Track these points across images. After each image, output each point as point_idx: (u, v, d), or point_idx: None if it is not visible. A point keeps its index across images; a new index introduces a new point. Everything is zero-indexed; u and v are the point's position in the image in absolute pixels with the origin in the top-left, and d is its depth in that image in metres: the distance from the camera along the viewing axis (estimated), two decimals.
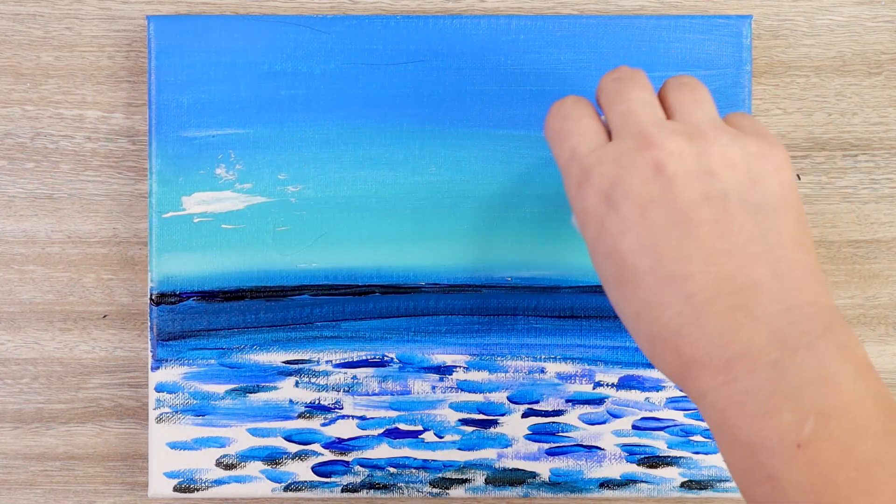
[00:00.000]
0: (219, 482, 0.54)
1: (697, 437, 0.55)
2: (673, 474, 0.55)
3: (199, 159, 0.54)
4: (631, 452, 0.55)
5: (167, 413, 0.54)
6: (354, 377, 0.55)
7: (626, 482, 0.55)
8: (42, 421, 0.56)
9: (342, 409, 0.55)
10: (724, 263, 0.37)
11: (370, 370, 0.55)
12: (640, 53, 0.54)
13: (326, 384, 0.55)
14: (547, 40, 0.54)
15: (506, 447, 0.55)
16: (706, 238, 0.37)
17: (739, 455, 0.37)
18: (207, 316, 0.54)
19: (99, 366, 0.56)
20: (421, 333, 0.55)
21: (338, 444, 0.55)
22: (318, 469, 0.55)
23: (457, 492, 0.55)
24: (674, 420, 0.55)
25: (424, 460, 0.55)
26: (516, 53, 0.54)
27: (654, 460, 0.55)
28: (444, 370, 0.55)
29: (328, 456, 0.55)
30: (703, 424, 0.55)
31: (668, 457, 0.55)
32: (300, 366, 0.55)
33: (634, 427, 0.55)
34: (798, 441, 0.35)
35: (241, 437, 0.55)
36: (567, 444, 0.55)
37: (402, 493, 0.55)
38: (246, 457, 0.55)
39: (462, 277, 0.54)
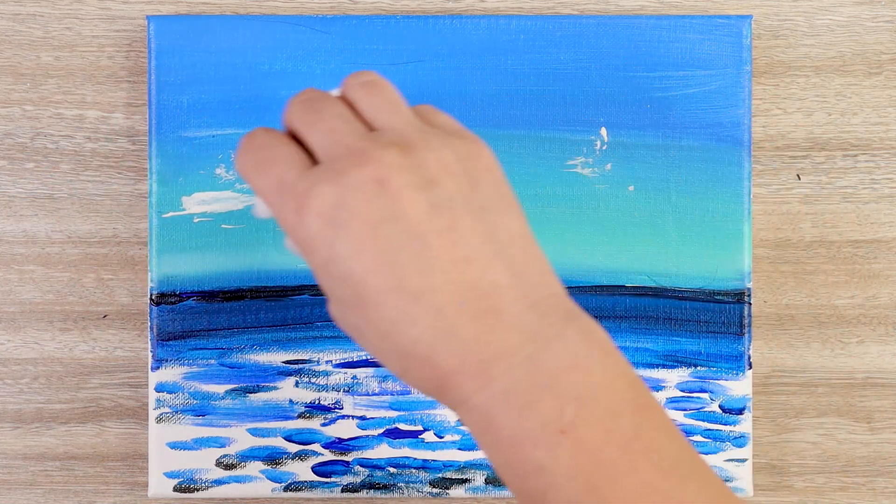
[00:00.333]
0: (219, 482, 0.54)
1: (697, 437, 0.55)
2: None
3: (199, 159, 0.54)
4: None
5: (167, 413, 0.54)
6: (354, 377, 0.55)
7: None
8: (42, 421, 0.56)
9: (342, 409, 0.55)
10: (465, 271, 0.37)
11: (370, 370, 0.55)
12: (640, 53, 0.54)
13: (326, 384, 0.55)
14: (547, 40, 0.54)
15: None
16: (443, 248, 0.37)
17: (506, 452, 0.37)
18: (207, 316, 0.54)
19: (99, 366, 0.56)
20: None
21: (338, 444, 0.55)
22: (319, 469, 0.55)
23: (457, 492, 0.55)
24: (673, 420, 0.55)
25: (424, 460, 0.55)
26: (516, 53, 0.54)
27: None
28: None
29: (328, 456, 0.55)
30: (704, 424, 0.55)
31: None
32: (300, 366, 0.55)
33: None
34: (561, 427, 0.36)
35: (241, 437, 0.54)
36: None
37: (402, 493, 0.55)
38: (246, 457, 0.55)
39: None
